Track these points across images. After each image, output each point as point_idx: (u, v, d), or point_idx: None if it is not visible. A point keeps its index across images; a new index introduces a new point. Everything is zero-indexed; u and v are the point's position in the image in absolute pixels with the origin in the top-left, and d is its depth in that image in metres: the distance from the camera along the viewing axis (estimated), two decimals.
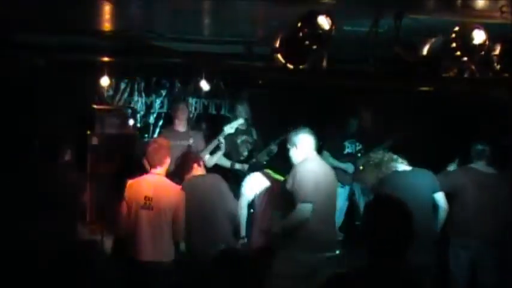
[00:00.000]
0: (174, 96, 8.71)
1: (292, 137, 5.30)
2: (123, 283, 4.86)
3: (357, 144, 7.80)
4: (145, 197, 4.88)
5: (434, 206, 5.64)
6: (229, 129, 6.94)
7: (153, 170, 5.01)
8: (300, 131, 5.32)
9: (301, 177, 5.08)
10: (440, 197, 5.62)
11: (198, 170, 5.65)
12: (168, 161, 5.07)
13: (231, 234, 5.60)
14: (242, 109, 7.41)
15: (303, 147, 5.25)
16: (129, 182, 5.04)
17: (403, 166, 5.64)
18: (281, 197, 5.33)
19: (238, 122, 7.11)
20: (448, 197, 5.79)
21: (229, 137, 7.07)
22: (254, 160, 7.00)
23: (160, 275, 4.87)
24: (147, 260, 4.86)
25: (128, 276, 4.85)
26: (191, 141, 6.92)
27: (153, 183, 4.95)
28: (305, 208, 4.99)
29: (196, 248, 5.29)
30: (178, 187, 5.08)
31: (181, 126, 7.08)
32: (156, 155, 5.00)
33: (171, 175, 5.66)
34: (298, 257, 5.01)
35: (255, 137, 7.44)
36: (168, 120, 7.61)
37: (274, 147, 6.97)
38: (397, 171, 5.61)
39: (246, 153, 7.34)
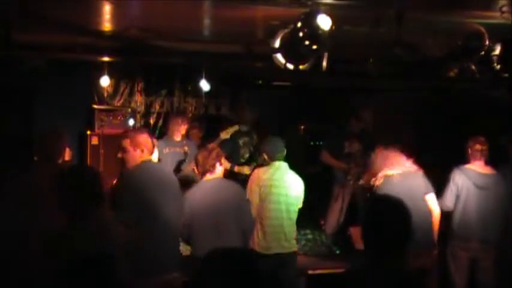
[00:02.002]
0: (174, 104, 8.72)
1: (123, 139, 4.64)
2: None
3: (357, 144, 7.78)
4: None
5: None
6: (224, 135, 6.96)
7: None
8: (135, 131, 4.69)
9: (125, 184, 4.54)
10: (431, 198, 5.50)
11: (218, 169, 5.07)
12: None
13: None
14: (246, 112, 7.42)
15: (135, 151, 4.58)
16: None
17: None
18: None
19: (234, 129, 7.13)
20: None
21: (231, 139, 7.07)
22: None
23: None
24: None
25: None
26: (186, 148, 6.94)
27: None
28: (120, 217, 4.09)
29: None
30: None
31: (176, 136, 7.10)
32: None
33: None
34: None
35: (256, 139, 7.44)
36: (169, 120, 7.61)
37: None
38: (389, 176, 5.57)
39: (246, 156, 7.36)
